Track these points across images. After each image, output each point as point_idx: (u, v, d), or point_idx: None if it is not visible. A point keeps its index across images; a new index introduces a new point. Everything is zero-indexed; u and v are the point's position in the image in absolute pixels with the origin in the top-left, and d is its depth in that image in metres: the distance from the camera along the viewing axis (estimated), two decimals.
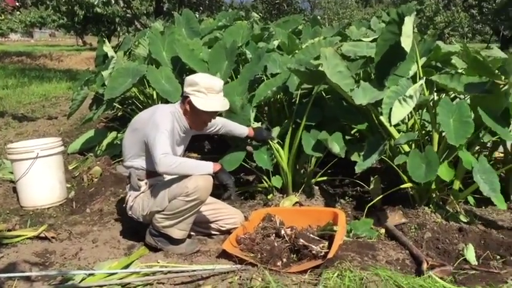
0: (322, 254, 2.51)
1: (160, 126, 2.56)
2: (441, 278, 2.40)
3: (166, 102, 3.86)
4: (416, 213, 3.25)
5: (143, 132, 2.62)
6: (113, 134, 4.78)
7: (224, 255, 2.61)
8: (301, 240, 2.51)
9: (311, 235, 2.61)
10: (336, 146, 3.19)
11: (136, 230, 2.90)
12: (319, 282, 2.28)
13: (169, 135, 2.58)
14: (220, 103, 2.71)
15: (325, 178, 3.70)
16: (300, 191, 3.53)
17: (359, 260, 2.59)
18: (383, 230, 3.15)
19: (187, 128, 2.80)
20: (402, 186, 3.28)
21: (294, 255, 2.58)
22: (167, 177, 2.72)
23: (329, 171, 3.70)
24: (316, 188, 3.70)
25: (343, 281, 2.28)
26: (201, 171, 2.54)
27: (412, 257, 2.73)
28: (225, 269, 2.45)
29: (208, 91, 2.65)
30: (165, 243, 2.70)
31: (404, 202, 3.41)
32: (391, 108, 2.96)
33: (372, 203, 3.25)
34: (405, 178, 3.26)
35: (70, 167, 4.45)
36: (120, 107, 5.07)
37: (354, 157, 3.54)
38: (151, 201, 2.64)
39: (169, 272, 2.42)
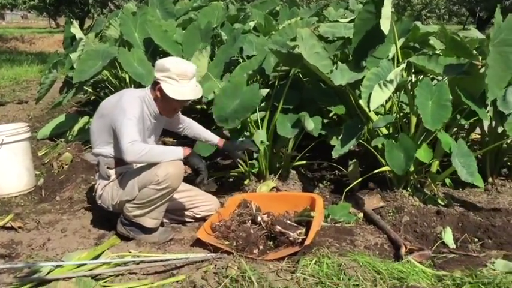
0: (299, 241, 2.45)
1: (127, 112, 2.44)
2: (420, 263, 2.37)
3: (140, 86, 3.73)
4: (394, 196, 3.22)
5: (110, 117, 2.50)
6: (85, 119, 4.62)
7: (199, 243, 2.52)
8: (278, 227, 2.44)
9: (288, 221, 2.54)
10: (311, 123, 3.11)
11: (107, 218, 2.79)
12: (296, 269, 2.22)
13: (138, 121, 2.46)
14: (192, 91, 2.55)
15: (303, 162, 3.63)
16: (277, 175, 3.46)
17: (337, 245, 2.54)
18: (361, 214, 3.10)
19: (158, 114, 2.67)
20: (380, 169, 3.23)
21: (271, 242, 2.52)
22: (137, 165, 2.61)
23: (307, 155, 3.64)
24: (294, 172, 3.64)
25: (321, 267, 2.23)
26: (170, 157, 2.44)
27: (390, 241, 2.69)
28: (199, 257, 2.38)
29: (180, 78, 2.49)
30: (137, 232, 2.61)
31: (382, 185, 3.37)
32: (370, 93, 2.88)
33: (349, 187, 3.20)
34: (383, 161, 3.22)
35: (39, 154, 4.29)
36: (92, 91, 4.90)
37: (333, 141, 3.48)
38: (121, 191, 2.54)
39: (141, 261, 2.33)
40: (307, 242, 2.31)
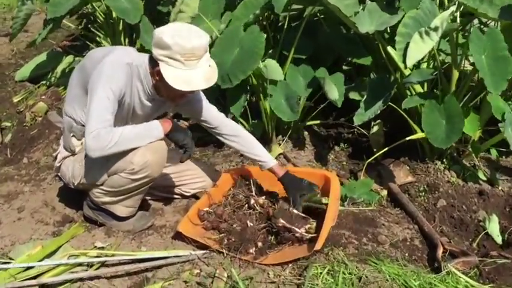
0: (308, 238, 1.92)
1: (105, 84, 1.80)
2: (463, 273, 1.84)
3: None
4: (426, 169, 2.66)
5: (89, 77, 1.87)
6: (69, 59, 4.00)
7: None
8: (281, 221, 1.90)
9: (294, 211, 1.99)
10: (334, 90, 2.49)
11: (78, 192, 2.23)
12: (303, 282, 1.71)
13: (115, 98, 1.84)
14: (203, 77, 1.83)
15: (317, 122, 3.03)
16: (286, 138, 2.88)
17: (356, 243, 2.01)
18: (385, 192, 2.56)
19: (155, 95, 2.03)
20: (411, 137, 2.64)
21: (272, 237, 1.99)
22: None
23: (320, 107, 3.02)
24: (306, 133, 3.06)
25: (335, 280, 1.73)
26: (148, 140, 1.86)
27: (422, 235, 2.16)
28: (181, 257, 1.88)
29: (185, 58, 1.78)
30: (107, 218, 2.10)
31: (410, 153, 2.79)
32: (407, 44, 2.23)
33: (371, 158, 2.62)
34: (415, 127, 2.62)
35: (15, 100, 3.73)
36: (75, 26, 4.25)
37: (353, 95, 2.86)
38: (84, 171, 1.99)
39: (102, 264, 1.83)
40: (317, 247, 1.78)
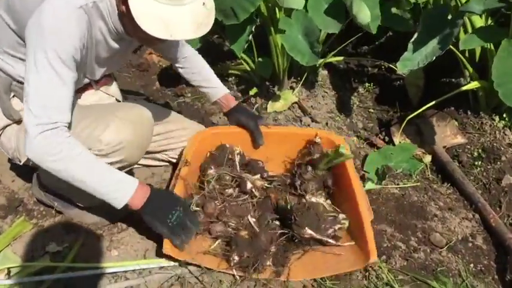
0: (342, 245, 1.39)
1: (51, 45, 1.16)
2: None
3: None
4: (480, 125, 2.10)
5: (26, 25, 1.20)
6: None
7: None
8: (309, 231, 1.34)
9: (323, 204, 1.44)
10: (366, 12, 1.81)
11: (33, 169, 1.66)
12: None
13: (68, 67, 1.19)
14: (190, 19, 1.19)
15: (339, 58, 2.39)
16: (302, 80, 2.25)
17: (403, 248, 1.48)
18: (428, 158, 2.00)
19: (124, 34, 1.35)
20: (467, 87, 2.03)
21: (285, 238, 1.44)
22: None
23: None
24: (325, 73, 2.43)
25: None
26: (110, 193, 1.24)
27: (485, 228, 1.63)
28: (167, 270, 1.35)
29: None
30: (65, 205, 1.54)
31: (458, 103, 2.21)
32: None
33: (411, 115, 2.02)
34: (471, 71, 2.02)
35: None
36: None
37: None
38: None
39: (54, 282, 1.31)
40: (373, 257, 1.26)
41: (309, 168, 1.58)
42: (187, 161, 1.54)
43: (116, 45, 1.39)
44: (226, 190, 1.54)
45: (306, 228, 1.34)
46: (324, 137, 1.65)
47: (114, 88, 1.61)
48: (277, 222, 1.48)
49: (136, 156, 1.39)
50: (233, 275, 1.32)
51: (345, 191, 1.49)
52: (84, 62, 1.31)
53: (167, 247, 1.28)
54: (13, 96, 1.41)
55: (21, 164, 1.48)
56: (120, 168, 1.35)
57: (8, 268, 1.34)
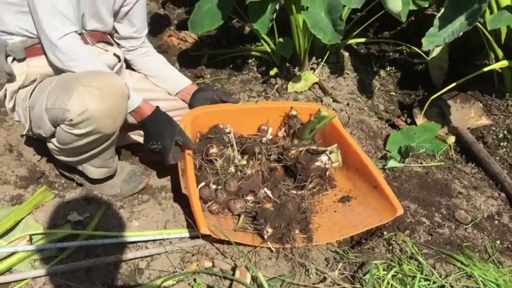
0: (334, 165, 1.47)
1: None
2: None
3: None
4: (506, 107, 2.07)
5: None
6: None
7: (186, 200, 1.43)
8: (294, 150, 1.38)
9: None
10: (398, 3, 1.77)
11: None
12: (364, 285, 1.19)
13: None
14: None
15: (361, 40, 2.35)
16: (324, 60, 2.22)
17: (427, 224, 1.44)
18: (452, 139, 1.96)
19: None
20: (492, 67, 1.98)
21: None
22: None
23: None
24: (346, 54, 2.40)
25: None
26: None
27: None
28: (187, 241, 1.35)
29: None
30: (83, 179, 1.54)
31: (483, 85, 2.17)
32: None
33: (434, 96, 1.98)
34: (498, 51, 1.97)
35: None
36: None
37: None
38: (28, 113, 1.39)
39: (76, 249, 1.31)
40: (399, 211, 1.31)
41: (295, 141, 1.62)
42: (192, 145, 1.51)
43: None
44: (232, 167, 1.53)
45: (291, 150, 1.44)
46: (298, 107, 1.67)
47: (115, 49, 1.57)
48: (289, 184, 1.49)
49: (110, 126, 1.30)
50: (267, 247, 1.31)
51: (345, 150, 1.51)
52: None
53: (204, 229, 1.25)
54: (13, 60, 1.38)
55: (36, 137, 1.46)
56: (96, 141, 1.33)
57: (30, 235, 1.34)
